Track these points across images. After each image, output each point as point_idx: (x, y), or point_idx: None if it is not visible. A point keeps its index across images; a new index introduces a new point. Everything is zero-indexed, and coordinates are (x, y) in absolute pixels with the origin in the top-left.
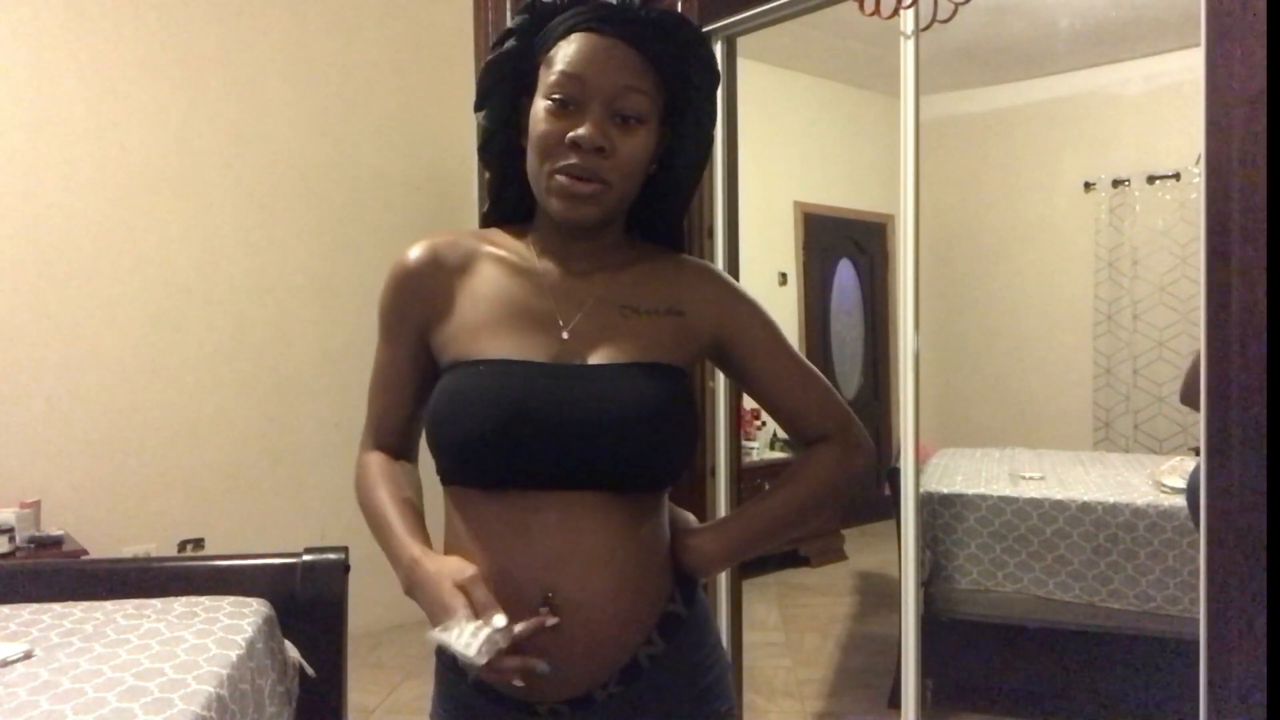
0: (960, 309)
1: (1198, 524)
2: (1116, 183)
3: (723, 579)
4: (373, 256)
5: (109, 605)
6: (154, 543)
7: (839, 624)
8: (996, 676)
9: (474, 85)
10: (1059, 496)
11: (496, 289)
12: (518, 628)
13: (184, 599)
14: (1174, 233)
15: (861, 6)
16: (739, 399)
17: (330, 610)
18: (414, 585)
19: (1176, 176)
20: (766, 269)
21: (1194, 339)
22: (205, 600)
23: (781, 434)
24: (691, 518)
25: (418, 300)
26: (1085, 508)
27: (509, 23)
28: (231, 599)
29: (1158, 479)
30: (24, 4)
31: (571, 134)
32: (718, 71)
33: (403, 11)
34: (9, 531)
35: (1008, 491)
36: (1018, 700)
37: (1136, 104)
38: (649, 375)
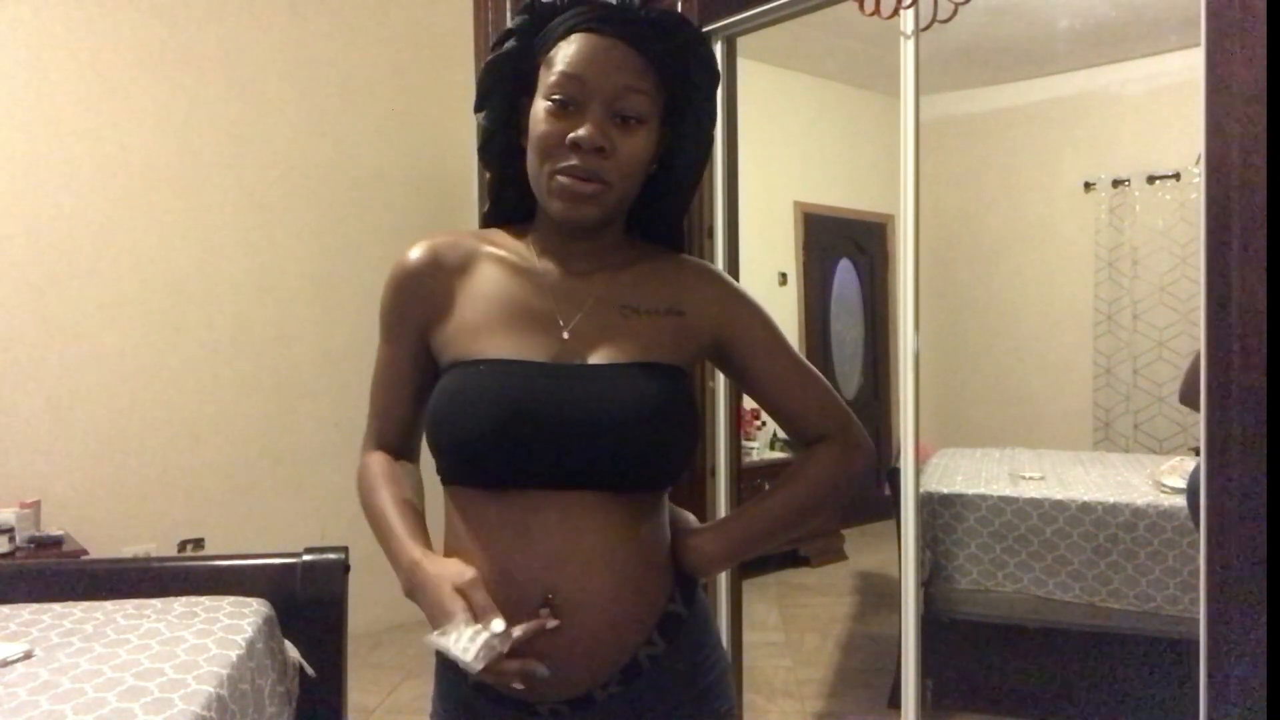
0: (960, 309)
1: (1198, 524)
2: (1116, 183)
3: (723, 579)
4: (373, 256)
5: (109, 605)
6: (154, 543)
7: (839, 624)
8: (996, 676)
9: (474, 85)
10: (1059, 496)
11: (497, 289)
12: (516, 631)
13: (184, 599)
14: (1174, 233)
15: (861, 6)
16: (739, 399)
17: (330, 610)
18: (414, 588)
19: (1176, 176)
20: (766, 269)
21: (1194, 339)
22: (205, 600)
23: (781, 434)
24: (692, 518)
25: (418, 300)
26: (1085, 508)
27: (509, 23)
28: (231, 599)
29: (1158, 479)
30: (24, 4)
31: (572, 134)
32: (718, 71)
33: (403, 11)
34: (9, 531)
35: (1008, 491)
36: (1018, 700)
37: (1136, 104)
38: (649, 375)
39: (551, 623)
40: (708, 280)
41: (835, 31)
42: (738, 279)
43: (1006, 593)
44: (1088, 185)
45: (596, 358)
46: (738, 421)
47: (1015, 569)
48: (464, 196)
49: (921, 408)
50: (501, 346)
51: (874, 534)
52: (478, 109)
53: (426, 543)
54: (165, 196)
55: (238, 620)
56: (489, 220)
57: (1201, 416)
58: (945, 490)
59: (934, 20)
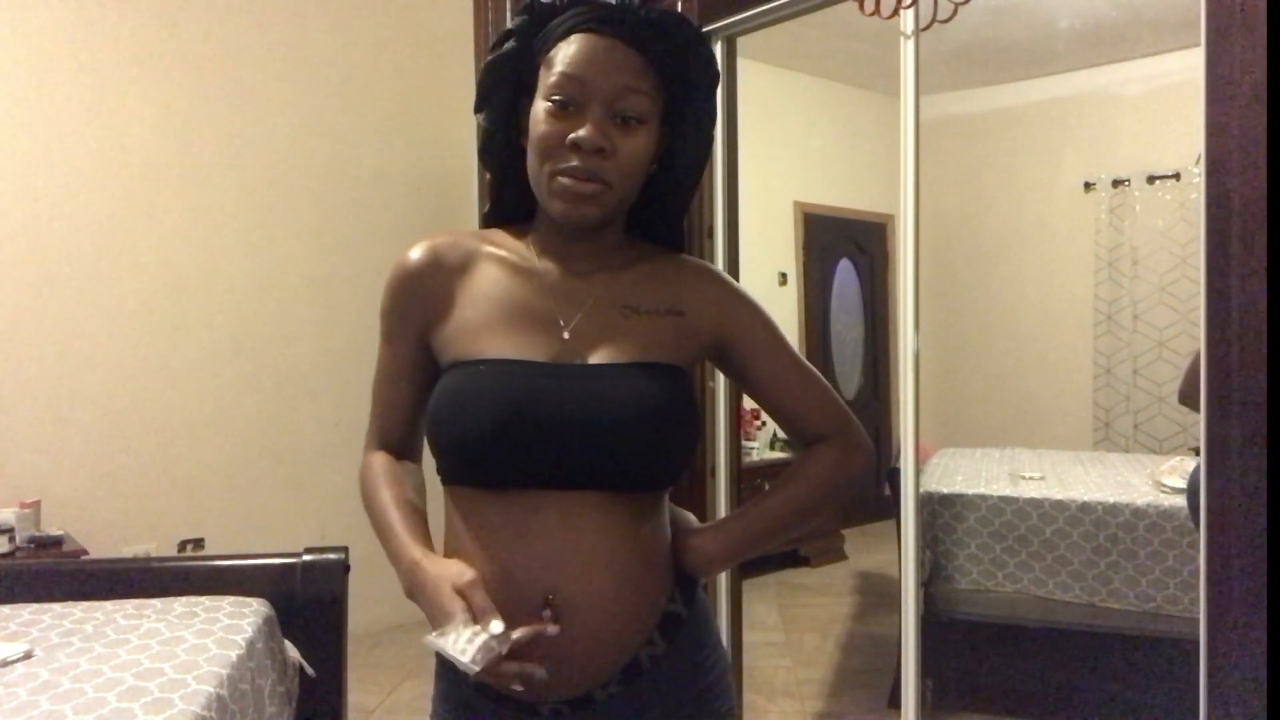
0: (960, 309)
1: (1198, 524)
2: (1116, 183)
3: (723, 579)
4: (373, 256)
5: (109, 605)
6: (154, 543)
7: (839, 624)
8: (996, 676)
9: (474, 86)
10: (1059, 496)
11: (497, 289)
12: (516, 633)
13: (184, 599)
14: (1174, 233)
15: (861, 6)
16: (739, 399)
17: (330, 610)
18: (414, 588)
19: (1176, 176)
20: (766, 269)
21: (1194, 339)
22: (205, 600)
23: (781, 434)
24: (692, 518)
25: (418, 300)
26: (1085, 508)
27: (509, 23)
28: (231, 599)
29: (1158, 479)
30: (24, 4)
31: (572, 135)
32: (717, 71)
33: (403, 12)
34: (9, 531)
35: (1008, 491)
36: (1018, 700)
37: (1136, 104)
38: (649, 375)
39: (552, 629)
40: (708, 280)
41: (835, 31)
42: (738, 279)
43: (1006, 593)
44: (1088, 185)
45: (597, 358)
46: (738, 421)
47: (1015, 569)
48: (464, 196)
49: (921, 408)
50: (502, 346)
51: (874, 534)
52: (478, 110)
53: (427, 543)
54: (165, 196)
55: (238, 620)
56: (489, 220)
57: (1201, 416)
58: (945, 490)
59: (934, 20)
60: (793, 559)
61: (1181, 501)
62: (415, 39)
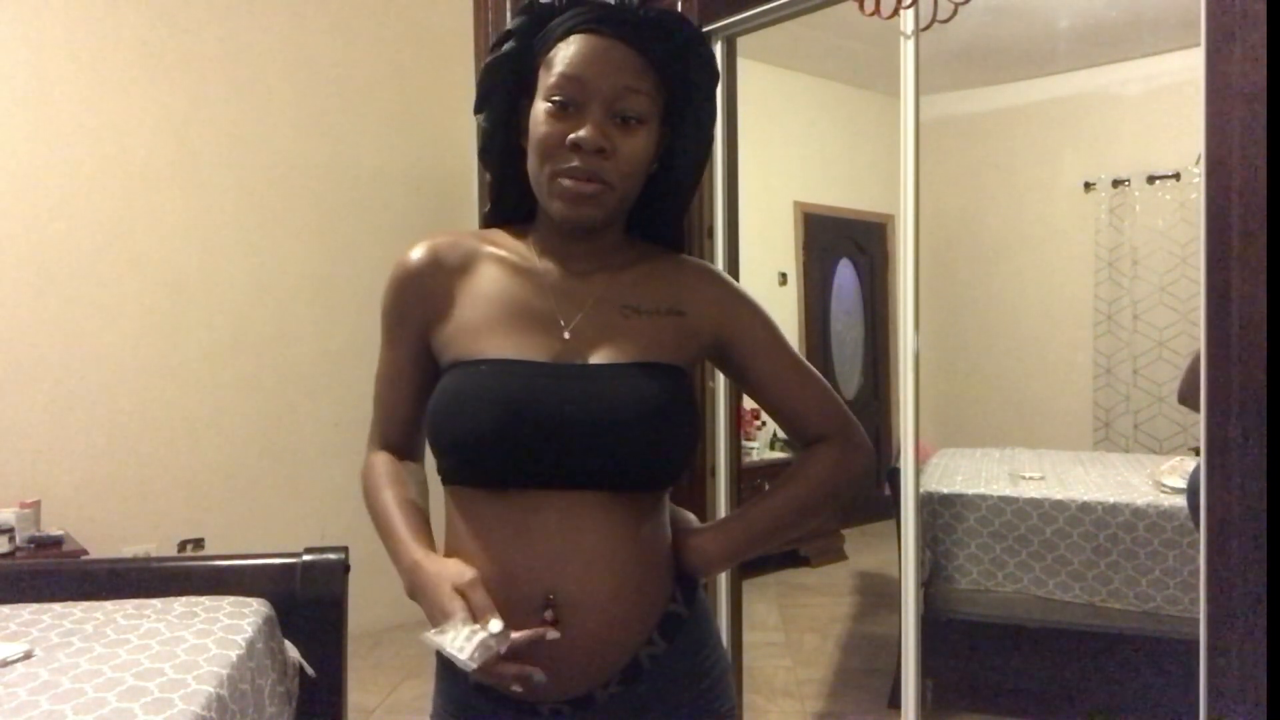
0: (960, 309)
1: (1198, 524)
2: (1116, 183)
3: (723, 579)
4: (373, 256)
5: (109, 605)
6: (154, 543)
7: (839, 624)
8: (996, 676)
9: (474, 86)
10: (1059, 496)
11: (497, 289)
12: (515, 635)
13: (184, 599)
14: (1174, 233)
15: (861, 6)
16: (739, 399)
17: (330, 610)
18: (415, 588)
19: (1176, 176)
20: (766, 269)
21: (1194, 339)
22: (205, 600)
23: (781, 434)
24: (692, 518)
25: (419, 301)
26: (1085, 508)
27: (509, 24)
28: (231, 599)
29: (1158, 479)
30: (24, 4)
31: (572, 136)
32: (717, 71)
33: (403, 12)
34: (9, 531)
35: (1008, 491)
36: (1018, 700)
37: (1136, 104)
38: (650, 375)
39: (552, 634)
40: (708, 280)
41: (835, 31)
42: (738, 279)
43: (1006, 593)
44: (1088, 185)
45: (597, 358)
46: (738, 421)
47: (1015, 569)
48: (464, 196)
49: (921, 408)
50: (502, 346)
51: (874, 534)
52: (477, 110)
53: (429, 543)
54: (165, 196)
55: (238, 620)
56: (489, 220)
57: (1201, 416)
58: (945, 490)
59: (934, 20)
60: (793, 559)
61: (1181, 501)
62: (415, 39)
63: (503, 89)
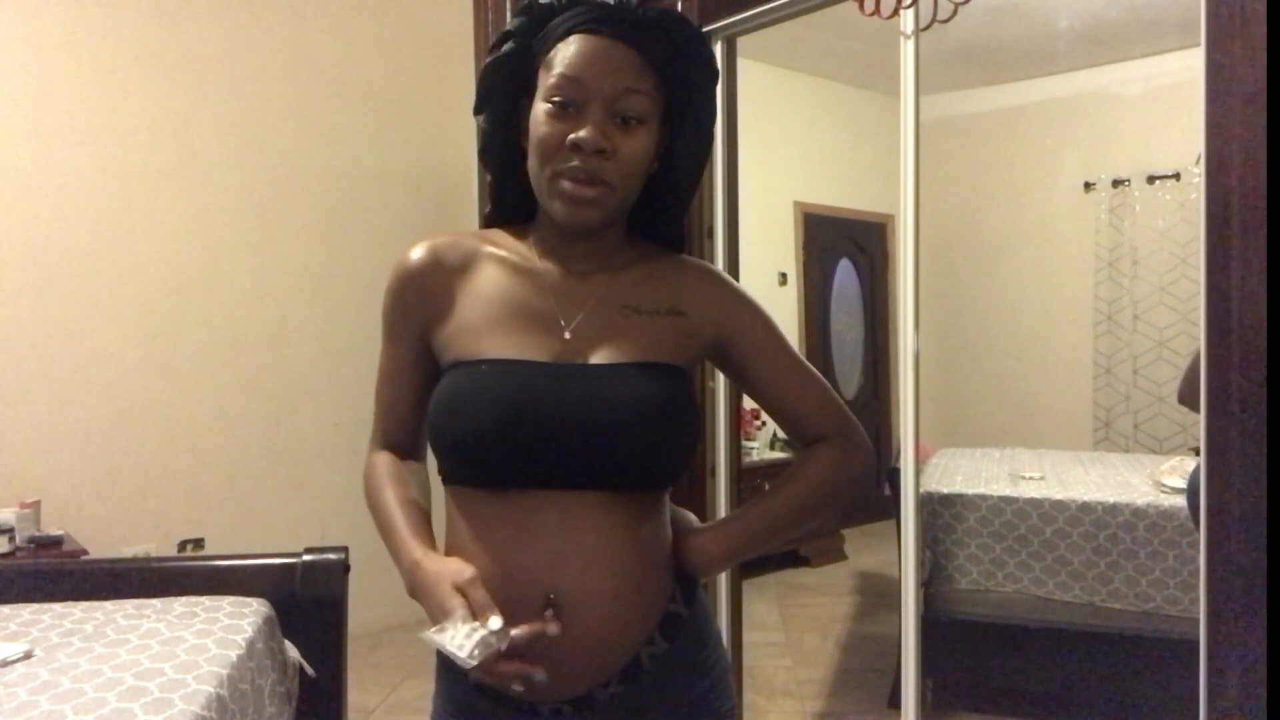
0: (960, 309)
1: (1198, 524)
2: (1116, 183)
3: (723, 579)
4: (373, 256)
5: (109, 605)
6: (154, 543)
7: (839, 624)
8: (996, 676)
9: (474, 86)
10: (1059, 496)
11: (498, 289)
12: (516, 631)
13: (184, 599)
14: (1174, 233)
15: (861, 6)
16: (739, 399)
17: (330, 610)
18: (415, 587)
19: (1176, 176)
20: (766, 269)
21: (1194, 339)
22: (205, 600)
23: (781, 434)
24: (693, 518)
25: (419, 301)
26: (1085, 508)
27: (509, 24)
28: (231, 599)
29: (1158, 479)
30: (24, 4)
31: (572, 136)
32: (717, 71)
33: (403, 11)
34: (9, 531)
35: (1008, 491)
36: (1018, 700)
37: (1136, 104)
38: (650, 375)
39: (553, 629)
40: (708, 280)
41: (835, 31)
42: (738, 279)
43: (1006, 593)
44: (1088, 185)
45: (598, 358)
46: (738, 421)
47: (1015, 569)
48: (464, 196)
49: (921, 408)
50: (503, 346)
51: (874, 534)
52: (477, 111)
53: (430, 542)
54: (165, 196)
55: (238, 620)
56: (490, 221)
57: (1201, 416)
58: (945, 490)
59: (934, 20)
60: (793, 559)
61: (1181, 501)
62: (415, 39)
63: (503, 89)
